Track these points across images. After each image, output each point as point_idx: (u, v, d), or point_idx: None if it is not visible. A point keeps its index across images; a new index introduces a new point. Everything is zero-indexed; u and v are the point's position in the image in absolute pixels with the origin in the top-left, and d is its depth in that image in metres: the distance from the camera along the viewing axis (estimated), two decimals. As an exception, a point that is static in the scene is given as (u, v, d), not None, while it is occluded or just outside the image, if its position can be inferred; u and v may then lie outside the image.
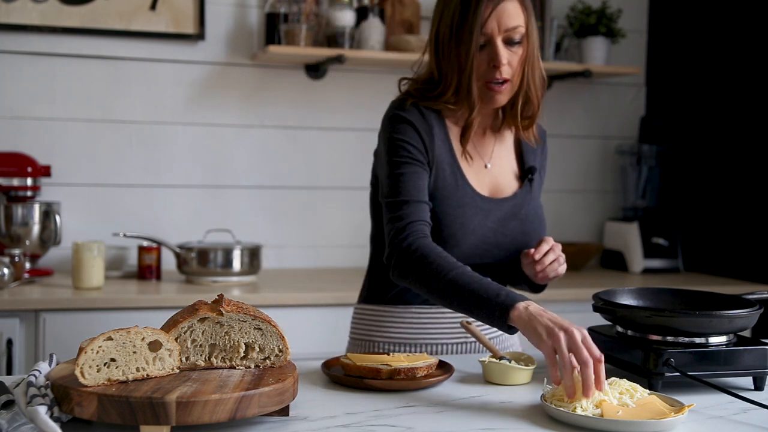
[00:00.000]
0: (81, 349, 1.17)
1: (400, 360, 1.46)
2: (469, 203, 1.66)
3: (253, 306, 1.33)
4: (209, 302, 1.30)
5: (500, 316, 1.40)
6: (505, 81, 1.61)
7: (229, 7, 3.04)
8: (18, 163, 2.72)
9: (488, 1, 1.57)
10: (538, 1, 3.13)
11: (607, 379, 1.30)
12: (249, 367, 1.29)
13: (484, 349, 1.72)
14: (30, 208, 2.71)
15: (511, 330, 1.41)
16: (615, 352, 1.49)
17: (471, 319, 1.61)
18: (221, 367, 1.28)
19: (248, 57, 3.06)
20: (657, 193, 3.44)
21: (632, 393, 1.29)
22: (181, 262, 2.72)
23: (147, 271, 2.73)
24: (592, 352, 1.28)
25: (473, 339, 1.75)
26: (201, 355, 1.28)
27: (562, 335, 1.30)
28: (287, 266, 3.14)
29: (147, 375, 1.18)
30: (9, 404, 1.14)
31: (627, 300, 1.59)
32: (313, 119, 3.14)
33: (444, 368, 1.51)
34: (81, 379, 1.13)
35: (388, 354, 1.52)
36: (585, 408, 1.23)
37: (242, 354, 1.29)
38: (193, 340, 1.27)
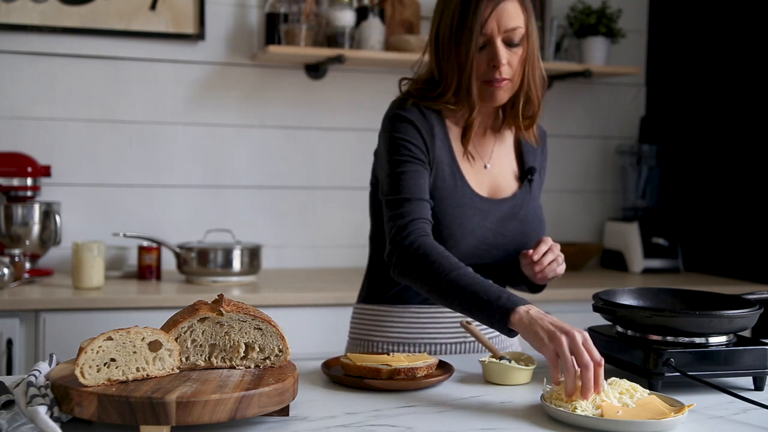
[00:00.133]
0: (81, 349, 1.17)
1: (400, 360, 1.46)
2: (468, 204, 1.66)
3: (253, 306, 1.33)
4: (209, 302, 1.30)
5: (501, 319, 1.40)
6: (504, 80, 1.61)
7: (229, 7, 3.04)
8: (18, 163, 2.72)
9: (488, 2, 1.57)
10: (538, 1, 3.13)
11: (607, 379, 1.30)
12: (249, 367, 1.29)
13: (484, 349, 1.72)
14: (30, 208, 2.71)
15: (511, 333, 1.41)
16: (615, 352, 1.49)
17: (471, 319, 1.61)
18: (221, 367, 1.28)
19: (248, 57, 3.06)
20: (657, 193, 3.44)
21: (632, 393, 1.29)
22: (181, 262, 2.72)
23: (147, 271, 2.73)
24: (593, 355, 1.28)
25: (473, 339, 1.75)
26: (201, 355, 1.28)
27: (563, 338, 1.30)
28: (287, 266, 3.14)
29: (147, 375, 1.18)
30: (9, 404, 1.14)
31: (627, 300, 1.59)
32: (313, 119, 3.14)
33: (444, 368, 1.51)
34: (81, 379, 1.13)
35: (388, 354, 1.52)
36: (585, 408, 1.23)
37: (242, 354, 1.29)
38: (193, 340, 1.27)
